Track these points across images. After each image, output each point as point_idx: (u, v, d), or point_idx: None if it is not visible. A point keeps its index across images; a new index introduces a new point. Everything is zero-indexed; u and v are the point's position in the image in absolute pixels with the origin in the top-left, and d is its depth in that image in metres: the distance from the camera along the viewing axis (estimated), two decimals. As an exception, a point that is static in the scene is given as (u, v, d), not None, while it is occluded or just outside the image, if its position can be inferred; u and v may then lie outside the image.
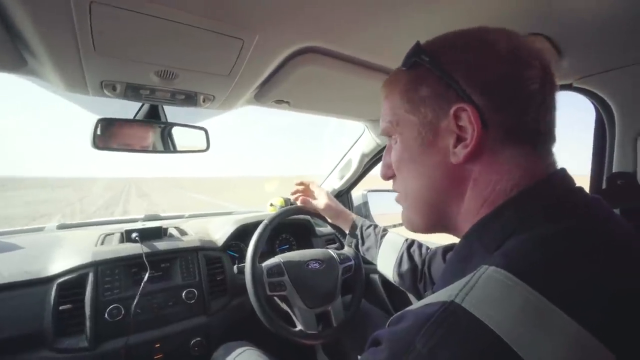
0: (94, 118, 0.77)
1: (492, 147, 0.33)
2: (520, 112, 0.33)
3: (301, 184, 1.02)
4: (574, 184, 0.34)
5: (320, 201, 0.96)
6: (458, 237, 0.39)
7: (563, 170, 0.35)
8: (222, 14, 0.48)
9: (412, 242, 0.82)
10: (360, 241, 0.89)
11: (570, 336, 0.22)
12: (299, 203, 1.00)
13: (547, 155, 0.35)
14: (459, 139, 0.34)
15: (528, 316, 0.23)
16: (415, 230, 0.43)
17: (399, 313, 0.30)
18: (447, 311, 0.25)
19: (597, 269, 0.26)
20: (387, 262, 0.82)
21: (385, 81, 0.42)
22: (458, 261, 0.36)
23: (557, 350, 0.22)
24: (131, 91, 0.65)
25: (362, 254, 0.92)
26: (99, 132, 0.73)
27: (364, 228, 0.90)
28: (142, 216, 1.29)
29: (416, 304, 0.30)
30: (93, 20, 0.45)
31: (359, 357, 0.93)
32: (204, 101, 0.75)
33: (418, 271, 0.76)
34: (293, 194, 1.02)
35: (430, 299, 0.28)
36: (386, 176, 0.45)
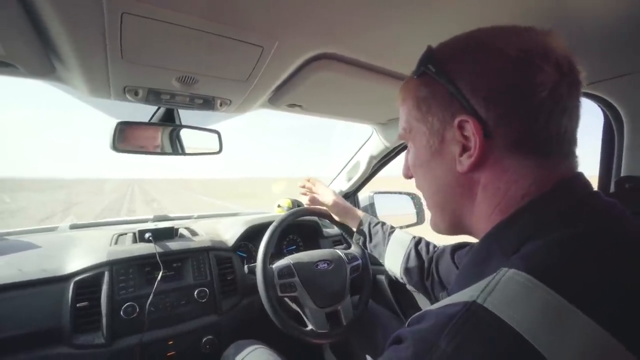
0: (107, 119, 0.79)
1: (499, 156, 0.34)
2: (528, 121, 0.32)
3: (308, 180, 1.04)
4: (591, 188, 0.34)
5: (328, 198, 0.98)
6: (477, 237, 0.39)
7: (580, 174, 0.34)
8: (245, 23, 0.50)
9: (420, 239, 0.82)
10: (368, 238, 0.90)
11: (590, 336, 0.23)
12: (307, 201, 1.02)
13: (564, 159, 0.34)
14: (465, 148, 0.35)
15: (548, 316, 0.24)
16: (438, 231, 0.44)
17: (418, 313, 0.31)
18: (470, 311, 0.26)
19: (614, 269, 0.27)
20: (394, 258, 0.83)
21: (401, 86, 0.43)
22: (474, 265, 0.36)
23: (578, 349, 0.23)
24: (152, 96, 0.67)
25: (369, 250, 0.93)
26: (118, 135, 0.75)
27: (372, 225, 0.91)
28: (151, 217, 1.32)
29: (436, 305, 0.31)
30: (123, 29, 0.47)
31: (367, 356, 0.95)
32: (220, 105, 0.77)
33: (425, 268, 0.77)
34: (302, 189, 1.05)
35: (451, 299, 0.29)
36: (407, 176, 0.47)
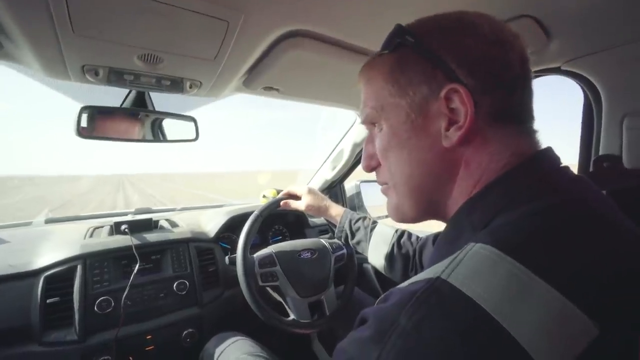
0: (78, 106, 0.75)
1: (483, 129, 0.33)
2: (507, 93, 0.33)
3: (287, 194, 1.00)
4: (559, 162, 0.34)
5: (301, 203, 0.95)
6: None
7: (549, 149, 0.35)
8: None
9: (403, 232, 0.82)
10: (349, 235, 0.89)
11: (553, 306, 0.23)
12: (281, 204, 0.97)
13: (532, 134, 0.35)
14: (451, 121, 0.34)
15: (512, 288, 0.23)
16: (404, 220, 0.41)
17: (386, 292, 0.30)
18: (433, 287, 0.25)
19: (580, 243, 0.26)
20: (378, 254, 0.82)
21: (363, 67, 0.41)
22: (446, 243, 0.36)
23: (540, 319, 0.22)
24: (115, 76, 0.63)
25: (352, 247, 0.91)
26: (83, 120, 0.71)
27: (352, 222, 0.89)
28: (132, 210, 1.28)
29: (403, 283, 0.30)
30: None
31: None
32: (190, 87, 0.73)
33: (410, 261, 0.76)
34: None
35: (417, 277, 0.29)
36: (369, 167, 0.44)
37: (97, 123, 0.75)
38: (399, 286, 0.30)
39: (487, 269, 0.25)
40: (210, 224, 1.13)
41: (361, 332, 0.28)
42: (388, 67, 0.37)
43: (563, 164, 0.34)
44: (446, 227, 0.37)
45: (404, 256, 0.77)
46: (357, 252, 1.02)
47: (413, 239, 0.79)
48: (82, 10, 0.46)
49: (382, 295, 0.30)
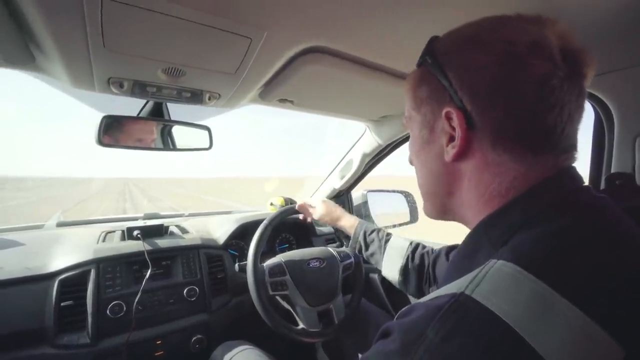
0: (94, 113, 0.77)
1: (482, 149, 0.34)
2: (511, 114, 0.32)
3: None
4: (581, 182, 0.34)
5: (315, 212, 1.00)
6: (466, 225, 0.40)
7: (571, 168, 0.34)
8: (231, 12, 0.49)
9: (417, 245, 0.82)
10: (363, 247, 0.89)
11: (577, 326, 0.23)
12: (297, 207, 1.03)
13: (553, 154, 0.33)
14: (452, 139, 0.36)
15: (536, 307, 0.24)
16: (429, 216, 0.45)
17: (408, 306, 0.31)
18: (458, 302, 0.26)
19: (602, 262, 0.27)
20: (392, 267, 0.81)
21: (407, 76, 0.44)
22: (463, 258, 0.36)
23: (565, 339, 0.23)
24: (138, 88, 0.65)
25: (365, 258, 0.92)
26: (103, 129, 0.73)
27: (367, 233, 0.89)
28: (142, 215, 1.29)
29: (425, 297, 0.30)
30: (104, 16, 0.45)
31: (359, 354, 0.94)
32: (209, 99, 0.75)
33: (424, 273, 0.76)
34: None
35: (439, 292, 0.29)
36: (410, 162, 0.48)
37: (117, 132, 0.77)
38: (420, 300, 0.30)
39: (510, 286, 0.25)
40: (219, 231, 1.14)
41: (385, 345, 0.28)
42: (413, 82, 0.41)
43: (584, 184, 0.34)
44: (464, 242, 0.38)
45: (419, 269, 0.76)
46: (366, 262, 1.02)
47: (427, 250, 0.79)
48: (115, 26, 0.48)
49: (403, 309, 0.31)
